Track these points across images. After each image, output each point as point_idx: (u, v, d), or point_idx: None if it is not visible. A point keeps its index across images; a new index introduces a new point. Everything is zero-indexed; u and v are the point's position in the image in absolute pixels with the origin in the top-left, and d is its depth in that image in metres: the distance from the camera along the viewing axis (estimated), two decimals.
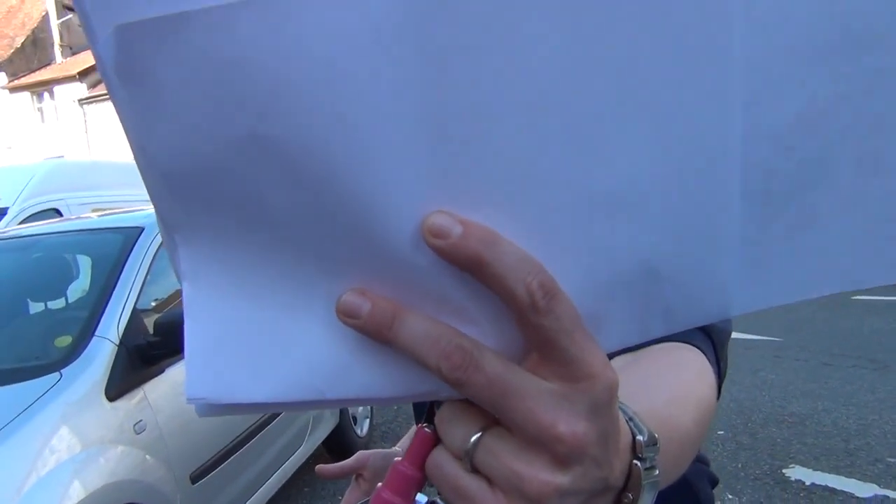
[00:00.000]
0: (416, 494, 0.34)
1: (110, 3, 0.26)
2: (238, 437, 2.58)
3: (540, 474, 0.30)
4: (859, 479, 2.98)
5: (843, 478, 3.01)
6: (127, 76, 0.26)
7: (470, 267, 0.29)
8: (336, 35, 0.25)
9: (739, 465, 3.19)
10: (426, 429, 0.34)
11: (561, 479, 0.30)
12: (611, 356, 0.58)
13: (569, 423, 0.29)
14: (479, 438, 0.31)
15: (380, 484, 0.35)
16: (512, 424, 0.30)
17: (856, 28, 0.31)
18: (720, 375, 0.61)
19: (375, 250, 0.29)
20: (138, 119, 0.28)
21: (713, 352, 0.60)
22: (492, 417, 0.31)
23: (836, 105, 0.32)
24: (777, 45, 0.30)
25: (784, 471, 3.13)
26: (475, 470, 0.31)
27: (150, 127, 0.28)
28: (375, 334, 0.30)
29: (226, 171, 0.28)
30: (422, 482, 0.34)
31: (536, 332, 0.29)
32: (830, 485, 2.96)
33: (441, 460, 0.32)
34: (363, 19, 0.25)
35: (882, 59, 0.32)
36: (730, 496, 2.93)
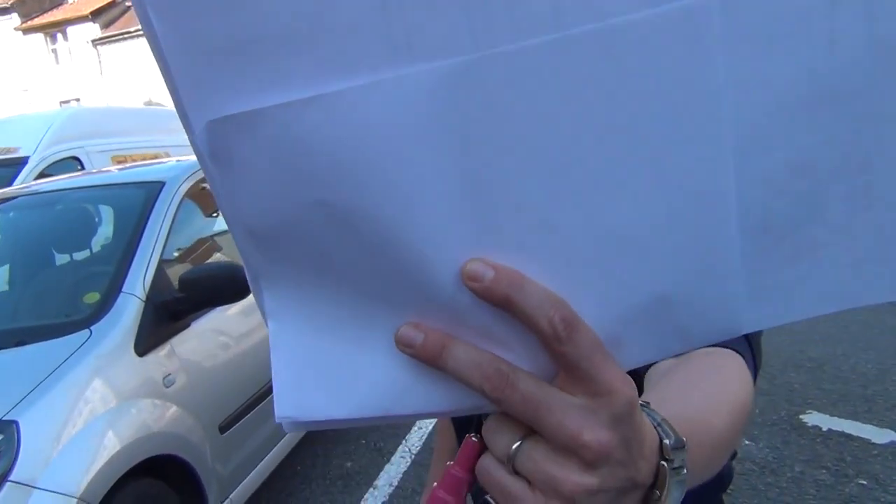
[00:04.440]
0: (465, 494, 0.40)
1: (204, 103, 0.32)
2: (262, 387, 2.65)
3: (571, 476, 0.34)
4: (876, 426, 3.01)
5: (859, 423, 3.04)
6: (218, 159, 0.33)
7: (501, 305, 0.34)
8: (382, 120, 0.31)
9: (757, 411, 3.23)
10: (474, 438, 0.40)
11: (590, 480, 0.34)
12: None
13: (593, 432, 0.34)
14: (519, 446, 0.36)
15: (435, 483, 0.40)
16: (545, 434, 0.35)
17: (836, 83, 0.34)
18: (756, 367, 0.65)
19: (425, 292, 0.35)
20: (228, 191, 0.34)
21: (749, 349, 0.62)
22: (530, 428, 0.36)
23: (822, 150, 0.35)
24: (762, 102, 0.34)
25: (801, 416, 3.17)
26: (517, 473, 0.36)
27: (238, 197, 0.34)
28: (428, 360, 0.35)
29: (299, 230, 0.34)
30: (471, 484, 0.40)
31: (561, 357, 0.34)
32: (847, 430, 3.00)
33: (488, 465, 0.37)
34: (403, 106, 0.31)
35: (864, 107, 0.35)
36: (747, 442, 2.98)
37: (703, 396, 0.51)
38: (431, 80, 0.31)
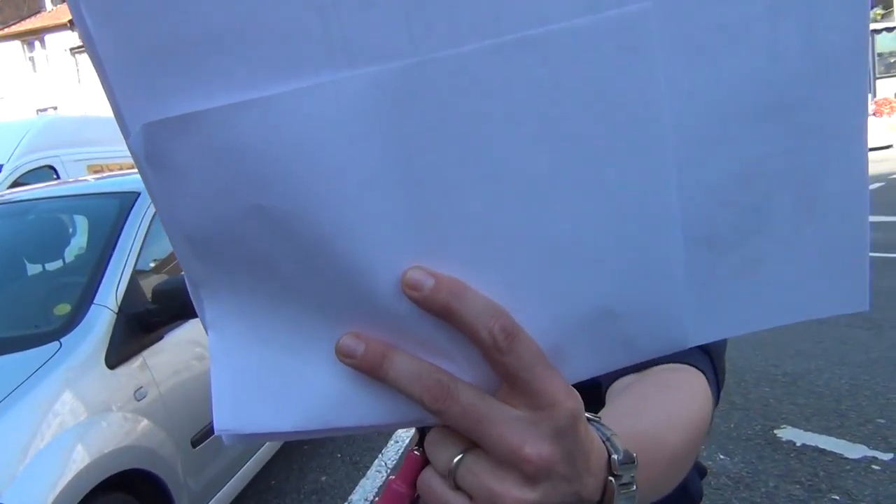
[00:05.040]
0: None
1: (140, 106, 0.31)
2: None
3: (512, 490, 0.34)
4: (849, 441, 3.03)
5: (833, 438, 3.07)
6: (154, 163, 0.33)
7: (442, 314, 0.33)
8: (320, 124, 0.31)
9: (732, 426, 3.25)
10: (416, 451, 0.39)
11: (531, 494, 0.34)
12: (617, 375, 0.60)
13: (534, 446, 0.33)
14: (460, 460, 0.35)
15: (377, 498, 0.39)
16: (486, 447, 0.34)
17: (781, 93, 0.34)
18: (719, 385, 0.64)
19: (366, 301, 0.34)
20: (165, 195, 0.34)
21: (711, 365, 0.62)
22: (472, 441, 0.35)
23: (767, 161, 0.35)
24: (704, 111, 0.34)
25: (775, 431, 3.18)
26: (458, 487, 0.35)
27: (174, 201, 0.33)
28: (369, 371, 0.35)
29: (237, 236, 0.33)
30: (413, 499, 0.39)
31: (502, 368, 0.34)
32: (820, 445, 3.02)
33: (429, 479, 0.37)
34: (342, 110, 0.31)
35: (807, 119, 0.35)
36: (722, 457, 2.99)
37: (659, 412, 0.51)
38: (370, 84, 0.31)
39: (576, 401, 0.35)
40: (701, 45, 0.33)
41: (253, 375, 0.36)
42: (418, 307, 0.33)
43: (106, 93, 0.32)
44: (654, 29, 0.32)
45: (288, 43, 0.30)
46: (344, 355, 0.35)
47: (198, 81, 0.31)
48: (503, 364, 0.33)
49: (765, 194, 0.36)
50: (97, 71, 0.32)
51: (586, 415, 0.37)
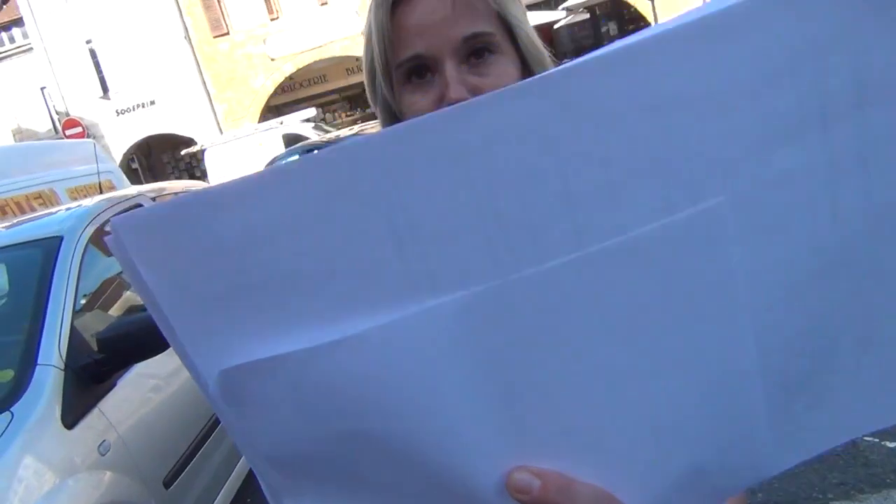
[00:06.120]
0: None
1: (212, 353, 0.31)
2: (200, 432, 2.58)
3: None
4: None
5: None
6: (233, 402, 0.33)
7: None
8: (410, 354, 0.31)
9: None
10: None
11: None
12: None
13: None
14: None
15: None
16: None
17: (839, 253, 0.37)
18: None
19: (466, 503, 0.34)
20: (244, 427, 0.34)
21: None
22: None
23: (831, 312, 0.38)
24: (775, 279, 0.36)
25: None
26: None
27: (255, 433, 0.34)
28: None
29: (325, 456, 0.34)
30: None
31: None
32: None
33: None
34: (431, 338, 0.31)
35: (865, 269, 0.37)
36: None
37: None
38: (457, 309, 0.31)
39: None
40: (770, 224, 0.34)
41: None
42: None
43: (167, 336, 0.31)
44: (728, 220, 0.33)
45: (366, 280, 0.30)
46: None
47: (271, 323, 0.30)
48: None
49: (830, 339, 0.38)
50: (158, 320, 0.31)
51: None
